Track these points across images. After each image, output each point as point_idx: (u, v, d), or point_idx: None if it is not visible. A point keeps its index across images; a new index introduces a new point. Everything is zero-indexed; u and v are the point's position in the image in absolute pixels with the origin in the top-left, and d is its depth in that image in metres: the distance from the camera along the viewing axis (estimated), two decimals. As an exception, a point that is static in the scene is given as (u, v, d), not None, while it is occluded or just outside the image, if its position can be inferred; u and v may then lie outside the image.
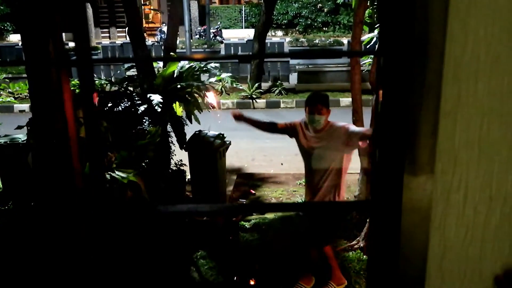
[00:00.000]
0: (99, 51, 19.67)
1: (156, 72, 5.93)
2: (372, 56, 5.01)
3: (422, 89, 0.61)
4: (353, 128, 3.83)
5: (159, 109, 5.05)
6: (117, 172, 2.46)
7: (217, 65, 6.14)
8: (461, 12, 0.60)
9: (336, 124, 3.79)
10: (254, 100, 12.11)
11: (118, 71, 12.27)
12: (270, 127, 4.04)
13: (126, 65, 7.88)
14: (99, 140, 0.73)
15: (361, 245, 4.56)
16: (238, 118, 3.85)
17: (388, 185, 0.64)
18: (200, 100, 5.84)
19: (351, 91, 4.96)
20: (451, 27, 0.59)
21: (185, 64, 5.85)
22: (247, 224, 5.46)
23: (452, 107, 0.60)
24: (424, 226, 0.64)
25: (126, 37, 25.30)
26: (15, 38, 24.38)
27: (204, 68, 5.93)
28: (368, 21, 5.66)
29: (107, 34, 26.62)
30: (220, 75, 6.12)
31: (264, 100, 12.26)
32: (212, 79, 6.04)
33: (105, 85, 6.24)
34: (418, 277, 0.66)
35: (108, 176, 2.41)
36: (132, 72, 9.12)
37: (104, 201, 0.76)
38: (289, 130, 3.96)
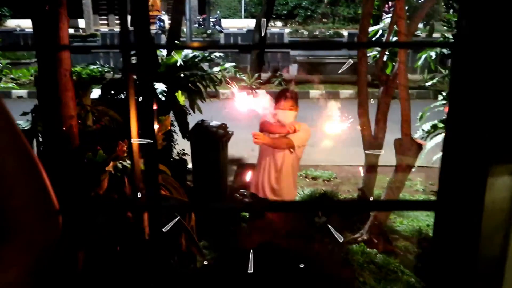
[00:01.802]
0: (97, 39, 19.51)
1: (159, 61, 5.87)
2: (379, 48, 4.97)
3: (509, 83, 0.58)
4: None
5: (163, 98, 5.00)
6: (128, 161, 2.43)
7: (221, 54, 6.09)
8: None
9: (299, 123, 3.97)
10: (254, 91, 12.06)
11: (120, 59, 12.17)
12: None
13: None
14: (154, 136, 0.70)
15: (365, 237, 4.56)
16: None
17: (468, 184, 0.62)
18: (202, 89, 5.80)
19: (358, 83, 4.93)
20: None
21: (188, 53, 5.80)
22: (248, 215, 5.44)
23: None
24: (504, 229, 0.62)
25: (124, 25, 25.04)
26: (12, 24, 24.12)
27: (208, 58, 5.89)
28: (374, 13, 5.62)
29: (106, 22, 26.39)
30: (223, 64, 6.07)
31: (264, 91, 12.19)
32: (216, 69, 5.99)
33: (104, 72, 6.19)
34: (494, 282, 0.64)
35: (119, 165, 2.38)
36: (132, 60, 9.00)
37: (158, 199, 0.73)
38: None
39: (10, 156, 0.73)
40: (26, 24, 21.04)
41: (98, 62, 8.86)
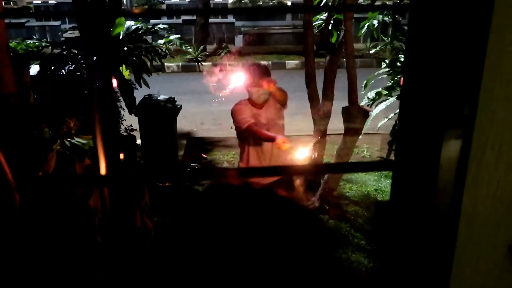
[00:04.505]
0: (31, 11, 18.50)
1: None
2: (325, 16, 5.00)
3: (464, 42, 0.60)
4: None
5: (107, 73, 4.84)
6: (76, 139, 2.34)
7: (166, 26, 5.94)
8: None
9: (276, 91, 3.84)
10: (199, 63, 11.89)
11: (59, 32, 11.59)
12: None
13: (65, 27, 7.47)
14: (115, 114, 0.67)
15: (316, 204, 4.67)
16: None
17: (424, 144, 0.63)
18: (148, 62, 5.66)
19: (304, 53, 4.95)
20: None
21: (131, 25, 5.62)
22: (200, 189, 5.43)
23: (494, 62, 0.59)
24: (459, 184, 0.64)
25: (59, -3, 23.88)
26: None
27: (152, 30, 5.73)
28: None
29: (38, -7, 24.96)
30: (168, 36, 5.93)
31: (210, 63, 12.06)
32: (160, 41, 5.85)
33: (41, 47, 5.90)
34: (449, 233, 0.67)
35: (67, 142, 2.29)
36: (70, 34, 8.64)
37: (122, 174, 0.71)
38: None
39: None
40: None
41: (34, 37, 8.43)
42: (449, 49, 0.60)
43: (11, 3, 22.29)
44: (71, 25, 7.84)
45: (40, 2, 21.92)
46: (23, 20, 12.87)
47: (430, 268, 0.69)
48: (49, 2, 21.20)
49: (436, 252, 0.67)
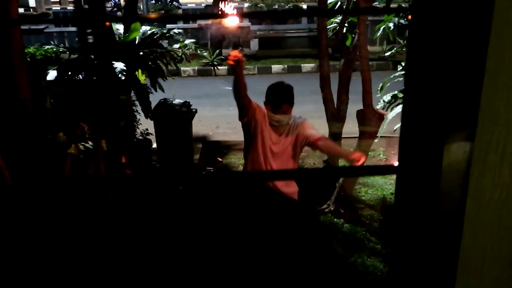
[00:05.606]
0: (50, 17, 18.81)
1: (117, 39, 5.72)
2: (339, 20, 4.98)
3: (465, 48, 0.59)
4: (312, 135, 3.29)
5: (123, 77, 4.90)
6: (90, 143, 2.37)
7: (181, 31, 5.99)
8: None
9: (297, 121, 3.37)
10: (215, 67, 11.95)
11: (76, 39, 11.74)
12: (242, 94, 3.26)
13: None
14: (116, 111, 0.68)
15: (332, 208, 4.65)
16: (237, 63, 3.00)
17: (427, 149, 0.63)
18: (163, 67, 5.71)
19: (319, 56, 4.94)
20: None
21: (147, 30, 5.67)
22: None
23: (495, 65, 0.58)
24: (462, 188, 0.63)
25: (78, 3, 24.19)
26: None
27: (167, 34, 5.78)
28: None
29: (57, 0, 25.39)
30: (183, 41, 5.97)
31: (226, 67, 12.10)
32: (176, 46, 5.90)
33: (58, 52, 5.98)
34: (453, 238, 0.66)
35: (81, 146, 2.32)
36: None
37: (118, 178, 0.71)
38: (253, 112, 3.29)
39: None
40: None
41: (52, 42, 8.55)
42: (450, 52, 0.59)
43: (31, 9, 22.70)
44: (88, 31, 7.96)
45: (59, 8, 22.27)
46: (42, 26, 13.09)
47: (435, 274, 0.68)
48: (68, 8, 21.52)
49: (440, 258, 0.66)
